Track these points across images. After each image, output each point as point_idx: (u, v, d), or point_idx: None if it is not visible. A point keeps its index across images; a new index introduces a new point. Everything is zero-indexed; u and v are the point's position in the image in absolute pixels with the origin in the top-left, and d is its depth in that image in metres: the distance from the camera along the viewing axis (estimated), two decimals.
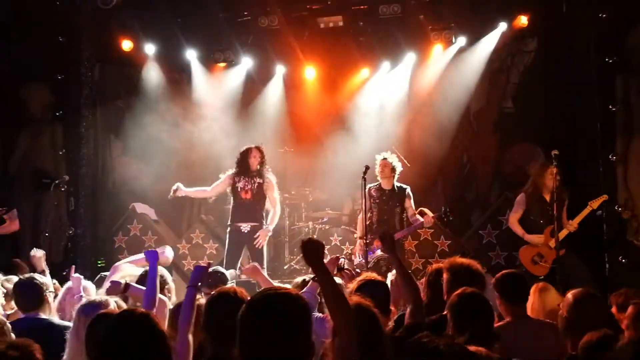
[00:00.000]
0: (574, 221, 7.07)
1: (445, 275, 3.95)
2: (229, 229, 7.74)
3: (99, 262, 9.08)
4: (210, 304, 3.05)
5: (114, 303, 3.54)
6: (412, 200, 7.63)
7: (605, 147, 7.91)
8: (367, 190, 7.33)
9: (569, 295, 3.57)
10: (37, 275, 4.60)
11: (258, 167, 7.62)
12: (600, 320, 3.34)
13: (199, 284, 3.51)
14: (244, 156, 7.66)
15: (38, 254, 5.71)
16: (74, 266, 4.87)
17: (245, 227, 7.51)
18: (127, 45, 9.75)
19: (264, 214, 7.66)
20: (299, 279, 4.38)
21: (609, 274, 7.62)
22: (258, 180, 7.56)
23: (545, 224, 7.15)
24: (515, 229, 7.41)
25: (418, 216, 7.55)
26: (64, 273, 7.10)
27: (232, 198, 7.71)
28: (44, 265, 5.61)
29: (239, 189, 7.56)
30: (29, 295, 4.29)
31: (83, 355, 3.02)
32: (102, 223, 9.74)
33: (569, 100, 8.55)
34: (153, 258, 4.07)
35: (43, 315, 4.20)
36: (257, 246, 7.46)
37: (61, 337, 3.46)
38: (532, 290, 4.52)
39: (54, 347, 3.38)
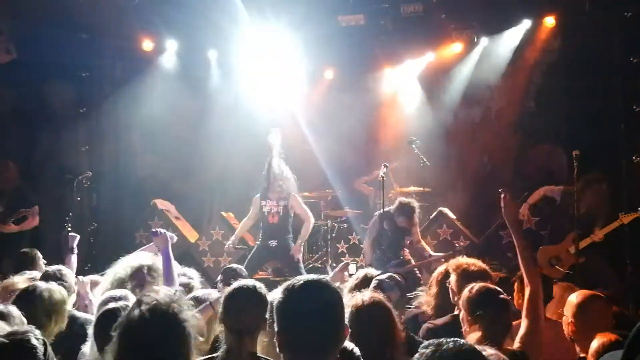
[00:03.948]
0: (601, 232, 6.91)
1: (453, 276, 3.93)
2: (258, 243, 8.02)
3: (121, 257, 9.18)
4: (229, 296, 3.08)
5: (134, 297, 3.57)
6: (417, 227, 7.86)
7: (628, 148, 7.81)
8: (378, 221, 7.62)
9: (572, 298, 3.52)
10: (62, 267, 4.68)
11: (280, 184, 7.74)
12: (606, 321, 3.28)
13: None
14: (268, 169, 7.81)
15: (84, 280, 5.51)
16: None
17: (273, 242, 7.79)
18: (150, 44, 9.89)
19: (291, 229, 7.89)
20: (360, 273, 4.33)
21: (630, 276, 7.52)
22: (283, 203, 7.75)
23: (570, 229, 7.05)
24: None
25: (423, 244, 7.88)
26: (86, 268, 7.26)
27: (260, 220, 7.94)
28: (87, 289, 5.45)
29: (266, 213, 7.80)
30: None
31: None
32: (123, 219, 9.85)
33: (592, 101, 8.46)
34: (163, 242, 4.14)
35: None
36: (296, 260, 7.83)
37: (82, 330, 3.51)
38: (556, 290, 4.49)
39: (75, 339, 3.45)
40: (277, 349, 2.20)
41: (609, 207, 7.05)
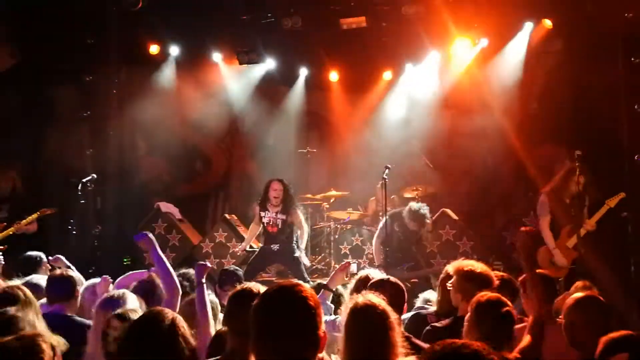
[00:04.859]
0: (591, 220, 6.96)
1: (454, 278, 3.94)
2: (261, 245, 8.15)
3: (125, 259, 9.24)
4: (233, 299, 3.10)
5: (134, 299, 3.59)
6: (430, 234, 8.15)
7: (630, 148, 7.80)
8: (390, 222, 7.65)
9: (568, 301, 3.53)
10: (70, 271, 4.71)
11: (280, 201, 7.81)
12: (603, 323, 3.27)
13: (203, 280, 3.78)
14: (265, 189, 7.91)
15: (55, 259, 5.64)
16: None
17: (275, 246, 7.90)
18: (154, 48, 9.96)
19: (293, 235, 7.98)
20: (362, 274, 4.35)
21: (634, 276, 7.51)
22: (281, 217, 7.85)
23: (563, 225, 7.07)
24: (547, 238, 7.16)
25: None
26: (90, 271, 7.29)
27: (262, 228, 8.06)
28: (66, 263, 5.56)
29: (265, 224, 7.92)
30: (59, 288, 4.36)
31: (102, 352, 3.10)
32: (127, 221, 9.89)
33: (595, 101, 8.44)
34: (147, 243, 4.16)
35: (67, 312, 4.28)
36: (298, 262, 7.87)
37: (81, 334, 3.51)
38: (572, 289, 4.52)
39: (74, 344, 3.45)
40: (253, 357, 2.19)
41: (595, 191, 7.08)
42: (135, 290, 4.09)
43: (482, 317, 3.29)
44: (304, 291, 2.19)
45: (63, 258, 5.58)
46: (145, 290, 4.12)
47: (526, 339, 3.34)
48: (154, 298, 4.06)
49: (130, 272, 5.04)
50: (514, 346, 3.34)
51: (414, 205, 7.74)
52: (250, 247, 8.63)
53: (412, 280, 7.37)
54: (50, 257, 5.72)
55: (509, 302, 3.43)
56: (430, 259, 8.57)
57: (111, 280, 4.75)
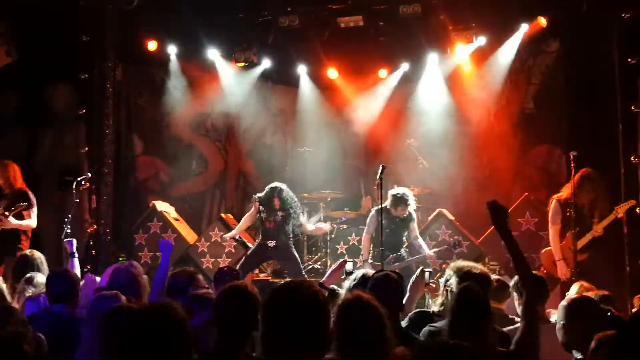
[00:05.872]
0: (599, 226, 6.93)
1: (454, 279, 3.95)
2: (257, 242, 8.13)
3: (120, 258, 9.19)
4: (222, 297, 3.07)
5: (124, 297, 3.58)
6: (415, 223, 7.94)
7: (627, 149, 7.81)
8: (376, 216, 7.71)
9: (563, 302, 3.53)
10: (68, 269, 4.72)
11: (279, 205, 7.91)
12: (599, 325, 3.27)
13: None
14: (270, 198, 7.91)
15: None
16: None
17: (271, 242, 7.89)
18: (151, 45, 9.92)
19: (290, 232, 7.98)
20: (358, 273, 4.28)
21: (629, 276, 7.53)
22: (281, 214, 7.90)
23: (570, 229, 7.06)
24: (554, 248, 7.10)
25: (421, 241, 7.92)
26: (85, 270, 7.26)
27: (258, 222, 8.08)
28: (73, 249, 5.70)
29: (263, 219, 7.95)
30: (60, 286, 4.34)
31: (96, 350, 3.08)
32: (123, 220, 9.86)
33: (591, 101, 8.45)
34: (166, 249, 4.14)
35: (69, 310, 4.26)
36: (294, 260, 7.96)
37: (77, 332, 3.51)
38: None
39: (74, 341, 3.44)
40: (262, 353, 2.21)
41: (606, 200, 7.08)
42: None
43: (453, 311, 3.28)
44: (314, 287, 2.23)
45: (74, 242, 5.70)
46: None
47: (520, 328, 3.30)
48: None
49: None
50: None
51: (393, 191, 7.77)
52: (239, 237, 8.65)
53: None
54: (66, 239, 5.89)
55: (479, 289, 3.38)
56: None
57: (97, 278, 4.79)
